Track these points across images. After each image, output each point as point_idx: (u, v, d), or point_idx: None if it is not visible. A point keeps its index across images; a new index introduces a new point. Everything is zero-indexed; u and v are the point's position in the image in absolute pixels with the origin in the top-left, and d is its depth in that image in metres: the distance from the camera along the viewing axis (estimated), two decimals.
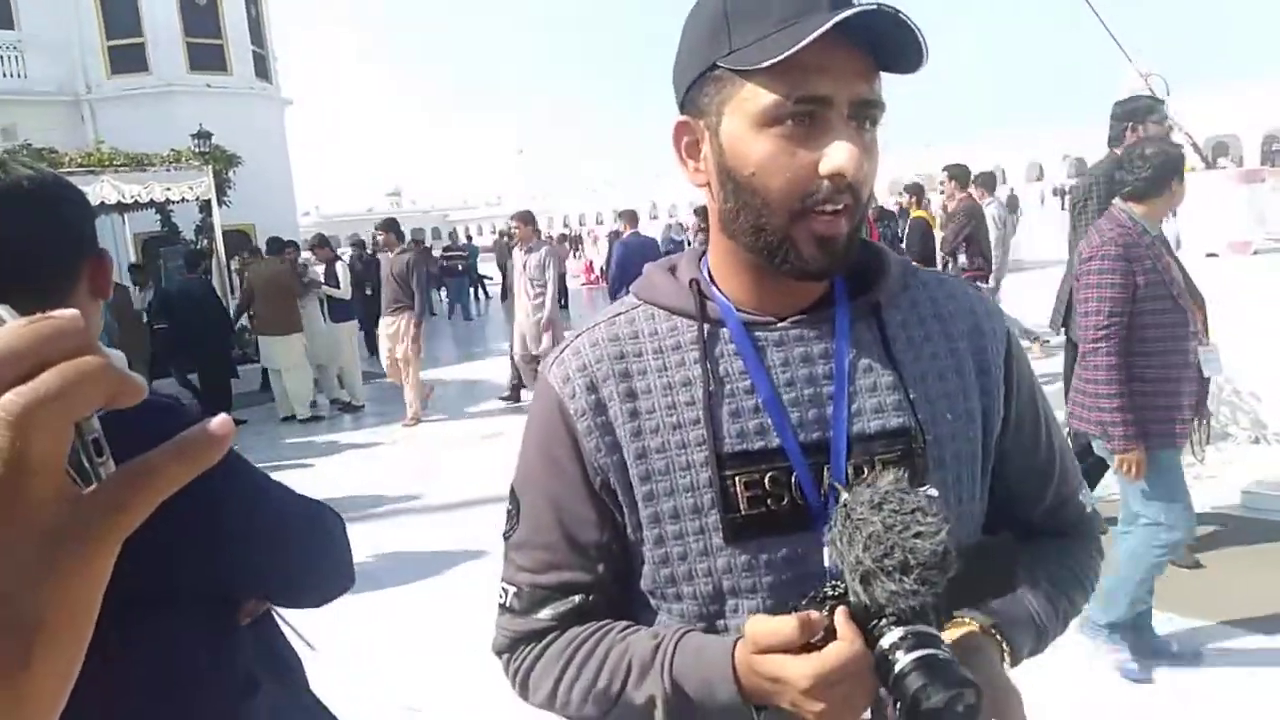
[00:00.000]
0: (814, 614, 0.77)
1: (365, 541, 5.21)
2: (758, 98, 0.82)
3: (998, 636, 0.89)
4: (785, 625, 0.76)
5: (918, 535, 0.72)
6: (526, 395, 8.61)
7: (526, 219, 8.50)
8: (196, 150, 12.26)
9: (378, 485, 6.53)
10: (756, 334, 0.92)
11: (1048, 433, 1.02)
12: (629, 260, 8.96)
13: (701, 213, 11.91)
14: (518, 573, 0.99)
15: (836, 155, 0.80)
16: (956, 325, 0.96)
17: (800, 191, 0.83)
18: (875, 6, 0.76)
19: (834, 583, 0.80)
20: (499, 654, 1.03)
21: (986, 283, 7.06)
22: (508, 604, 1.00)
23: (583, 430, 0.93)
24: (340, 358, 9.82)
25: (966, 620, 0.89)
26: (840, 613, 0.77)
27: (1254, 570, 3.93)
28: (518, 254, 8.44)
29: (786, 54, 0.77)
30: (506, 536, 1.01)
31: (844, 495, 0.78)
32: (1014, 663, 0.90)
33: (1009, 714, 0.83)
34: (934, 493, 0.76)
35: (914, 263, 1.00)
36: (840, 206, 0.83)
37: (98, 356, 0.33)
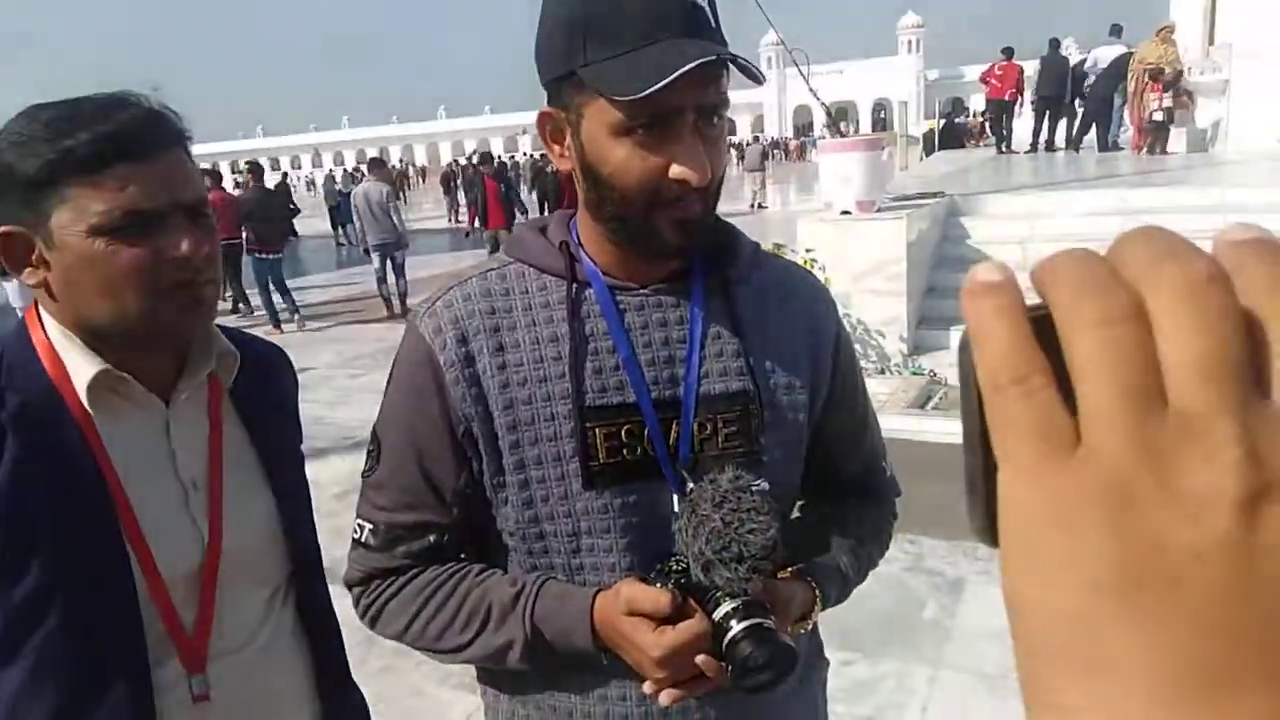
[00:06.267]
0: (677, 593, 0.90)
1: None
2: (612, 111, 0.88)
3: (811, 583, 1.04)
4: (662, 598, 0.90)
5: (751, 531, 0.86)
6: None
7: None
8: None
9: None
10: (620, 298, 1.01)
11: (864, 409, 1.18)
12: None
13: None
14: (375, 511, 1.04)
15: (683, 162, 0.89)
16: (797, 313, 1.09)
17: (653, 190, 0.91)
18: (715, 57, 0.85)
19: (677, 558, 0.94)
20: (350, 586, 1.09)
21: (266, 254, 9.59)
22: (363, 539, 1.05)
23: (450, 380, 0.98)
24: None
25: (789, 570, 1.05)
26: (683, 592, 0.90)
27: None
28: None
29: (638, 96, 0.84)
30: (365, 475, 1.06)
31: (690, 488, 0.92)
32: (823, 606, 1.06)
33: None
34: (765, 486, 0.91)
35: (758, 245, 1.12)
36: (692, 202, 0.92)
37: None
